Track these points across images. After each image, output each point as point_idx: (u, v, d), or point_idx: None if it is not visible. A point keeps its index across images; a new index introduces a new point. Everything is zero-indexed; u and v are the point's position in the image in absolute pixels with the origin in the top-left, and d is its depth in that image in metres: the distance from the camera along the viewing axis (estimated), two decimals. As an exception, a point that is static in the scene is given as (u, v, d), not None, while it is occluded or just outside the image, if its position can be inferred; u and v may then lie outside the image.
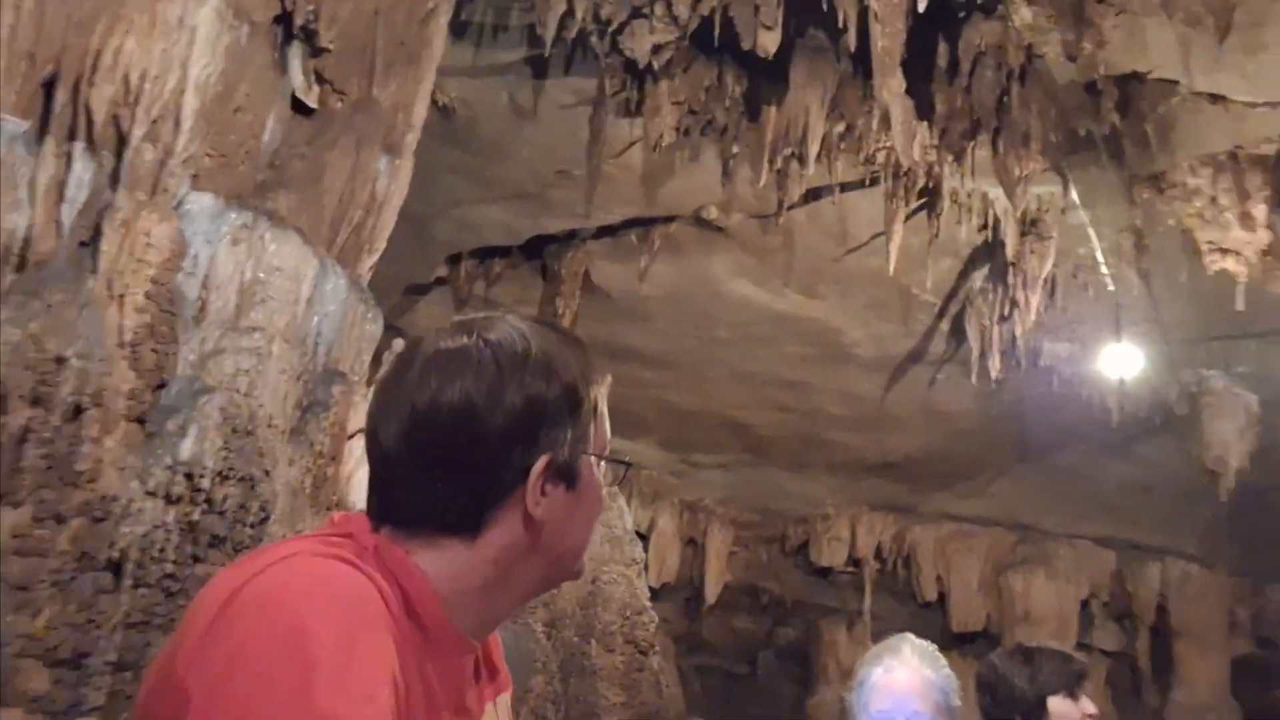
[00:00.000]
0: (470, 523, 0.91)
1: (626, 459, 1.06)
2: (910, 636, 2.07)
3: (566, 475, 0.94)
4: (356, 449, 4.52)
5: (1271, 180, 5.62)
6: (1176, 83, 5.20)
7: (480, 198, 7.15)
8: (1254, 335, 7.73)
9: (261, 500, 3.58)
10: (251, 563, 0.85)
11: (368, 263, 4.92)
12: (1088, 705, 2.19)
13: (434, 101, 5.81)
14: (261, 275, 3.85)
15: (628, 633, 4.93)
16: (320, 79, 4.70)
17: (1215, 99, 5.40)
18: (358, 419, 4.51)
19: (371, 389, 1.04)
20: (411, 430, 0.90)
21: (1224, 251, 5.89)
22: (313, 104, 4.63)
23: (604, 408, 1.32)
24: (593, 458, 0.97)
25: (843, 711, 2.04)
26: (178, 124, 3.66)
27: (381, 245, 4.96)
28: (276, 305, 3.99)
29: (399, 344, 5.25)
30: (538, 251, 7.80)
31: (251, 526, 3.51)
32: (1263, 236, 5.68)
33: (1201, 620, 11.03)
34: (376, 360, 5.04)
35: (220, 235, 3.71)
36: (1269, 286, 6.23)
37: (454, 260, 7.97)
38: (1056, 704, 2.15)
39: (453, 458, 0.90)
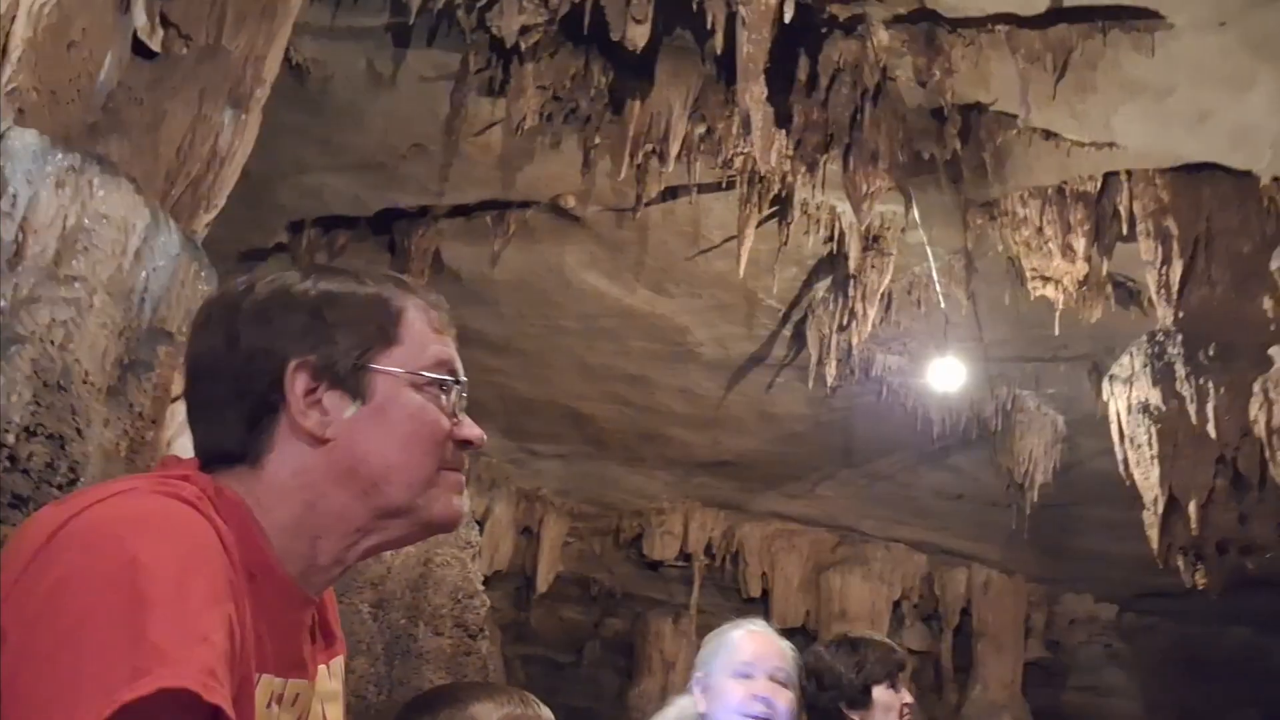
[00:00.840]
0: (246, 445, 0.88)
1: (457, 379, 0.96)
2: (760, 620, 2.14)
3: (349, 386, 0.90)
4: (180, 413, 4.29)
5: (1092, 215, 6.02)
6: (1015, 116, 5.49)
7: (328, 164, 6.91)
8: (1064, 359, 8.27)
9: (71, 460, 3.36)
10: (78, 499, 0.79)
11: (204, 219, 4.68)
12: (905, 695, 2.30)
13: (287, 60, 5.58)
14: (87, 222, 3.61)
15: (458, 616, 4.87)
16: (166, 22, 4.44)
17: (1048, 135, 5.74)
18: (182, 382, 4.30)
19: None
20: (188, 357, 0.94)
21: (1046, 279, 6.28)
22: (156, 47, 4.37)
23: (443, 332, 1.18)
24: (408, 375, 0.92)
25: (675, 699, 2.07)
26: (4, 52, 3.40)
27: (220, 202, 4.73)
28: (101, 256, 3.74)
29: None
30: (386, 226, 7.60)
31: (59, 488, 3.29)
32: (1081, 267, 6.08)
33: (1000, 623, 11.74)
34: (207, 323, 4.81)
35: (44, 176, 3.45)
36: (1082, 314, 6.68)
37: (296, 227, 7.67)
38: (879, 693, 2.24)
39: (207, 373, 0.90)
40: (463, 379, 0.98)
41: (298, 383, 0.89)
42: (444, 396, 0.94)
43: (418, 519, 0.93)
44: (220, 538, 0.80)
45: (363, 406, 0.90)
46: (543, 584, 11.12)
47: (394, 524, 0.92)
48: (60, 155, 3.50)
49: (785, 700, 1.99)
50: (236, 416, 0.89)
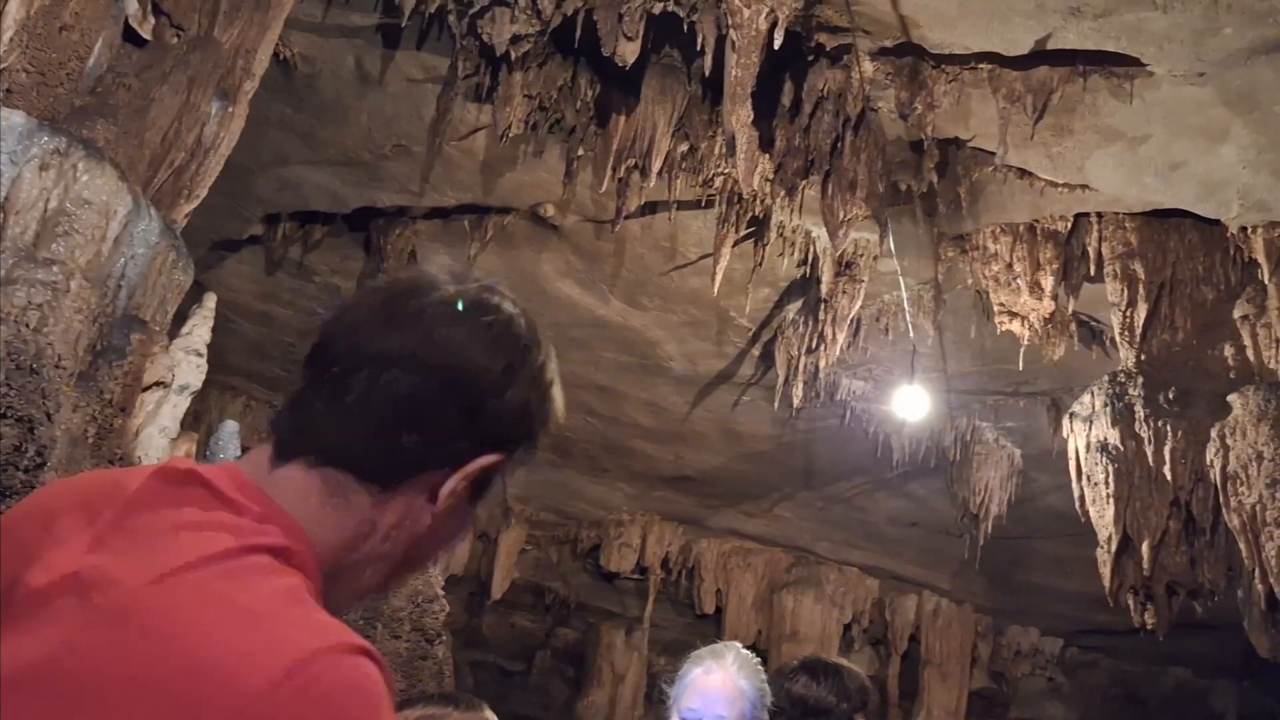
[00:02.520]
0: (391, 475, 0.83)
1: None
2: (736, 645, 2.15)
3: (482, 487, 0.88)
4: (149, 402, 4.26)
5: (1061, 254, 6.14)
6: (992, 153, 5.60)
7: (309, 159, 6.88)
8: (1024, 394, 8.41)
9: (39, 444, 3.32)
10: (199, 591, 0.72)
11: (185, 209, 4.64)
12: None
13: (275, 53, 5.56)
14: (69, 206, 3.58)
15: (416, 620, 4.85)
16: (158, 10, 4.42)
17: (1023, 173, 5.85)
18: (154, 370, 4.26)
19: (341, 306, 0.88)
20: (402, 363, 0.82)
21: (1013, 314, 6.38)
22: (146, 35, 4.35)
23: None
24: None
25: (658, 701, 2.10)
26: (-4, 30, 3.37)
27: (202, 193, 4.70)
28: (81, 240, 3.72)
29: (210, 298, 4.97)
30: (363, 224, 7.57)
31: (25, 471, 3.26)
32: (1048, 305, 6.19)
33: (947, 651, 11.87)
34: (181, 313, 4.77)
35: (28, 157, 3.43)
36: (1046, 351, 6.80)
37: (272, 220, 7.63)
38: None
39: (430, 409, 0.83)
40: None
41: (479, 468, 0.85)
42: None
43: (380, 592, 0.91)
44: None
45: (468, 503, 0.88)
46: (497, 590, 11.09)
47: (367, 594, 0.90)
48: (46, 137, 3.48)
49: None
50: (411, 450, 0.83)
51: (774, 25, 5.06)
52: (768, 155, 5.80)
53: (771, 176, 6.13)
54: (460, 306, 0.86)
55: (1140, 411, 5.84)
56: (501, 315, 0.87)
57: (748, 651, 2.15)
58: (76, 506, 0.80)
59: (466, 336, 0.84)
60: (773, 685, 2.24)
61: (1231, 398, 5.60)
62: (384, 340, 0.83)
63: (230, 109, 4.63)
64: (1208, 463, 5.59)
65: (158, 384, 4.41)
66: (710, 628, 11.23)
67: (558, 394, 0.91)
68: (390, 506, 0.84)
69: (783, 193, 6.26)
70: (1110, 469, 5.96)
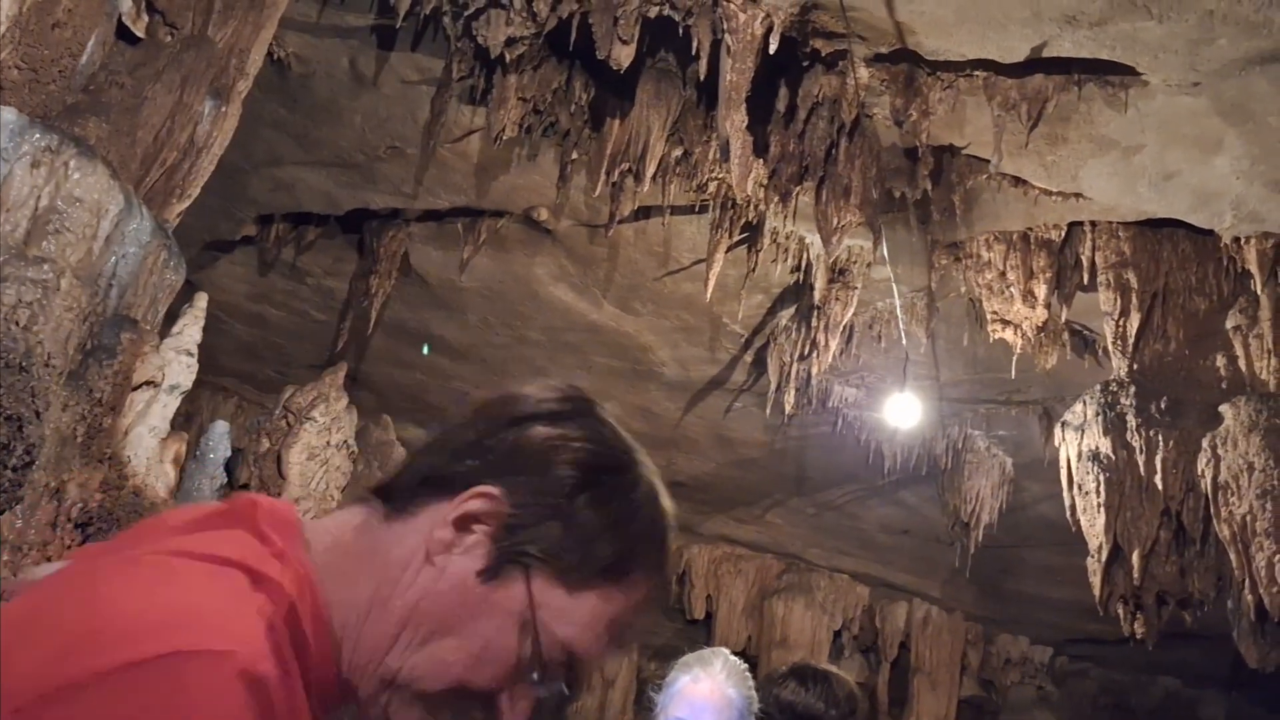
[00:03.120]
0: (408, 497, 0.83)
1: (549, 683, 0.83)
2: (725, 652, 2.14)
3: (494, 562, 0.80)
4: (139, 401, 4.23)
5: (1055, 263, 6.14)
6: (986, 161, 5.60)
7: (302, 159, 6.86)
8: (1016, 403, 8.41)
9: (28, 443, 3.30)
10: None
11: (177, 208, 4.62)
12: None
13: (269, 53, 5.55)
14: (60, 204, 3.56)
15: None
16: (152, 8, 4.40)
17: (1017, 181, 5.86)
18: (144, 370, 4.23)
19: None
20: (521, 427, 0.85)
21: (1005, 323, 6.39)
22: (140, 33, 4.33)
23: (616, 643, 0.87)
24: (538, 622, 0.80)
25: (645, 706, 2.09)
26: (-11, 27, 3.35)
27: (194, 192, 4.68)
28: (72, 238, 3.69)
29: (201, 298, 4.95)
30: (356, 225, 7.56)
31: (13, 470, 3.23)
32: (1041, 313, 6.20)
33: (937, 659, 11.86)
34: (172, 313, 4.74)
35: (20, 154, 3.40)
36: (1038, 360, 6.81)
37: (265, 220, 7.61)
38: None
39: (480, 439, 0.84)
40: (566, 692, 0.84)
41: (471, 506, 0.82)
42: (525, 670, 0.81)
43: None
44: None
45: (480, 581, 0.80)
46: (486, 595, 11.04)
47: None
48: (38, 134, 3.46)
49: None
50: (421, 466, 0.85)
51: (769, 30, 5.06)
52: (762, 161, 5.79)
53: (766, 182, 6.13)
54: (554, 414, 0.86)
55: (1132, 421, 5.85)
56: (598, 422, 0.88)
57: (736, 658, 2.14)
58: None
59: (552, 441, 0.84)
60: (762, 692, 2.23)
61: (1223, 408, 5.61)
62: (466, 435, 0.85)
63: (223, 108, 4.61)
64: (1199, 473, 5.60)
65: (148, 383, 4.38)
66: (700, 633, 11.20)
67: (656, 530, 0.86)
68: (405, 536, 0.82)
69: (777, 198, 6.26)
70: (1101, 478, 5.97)
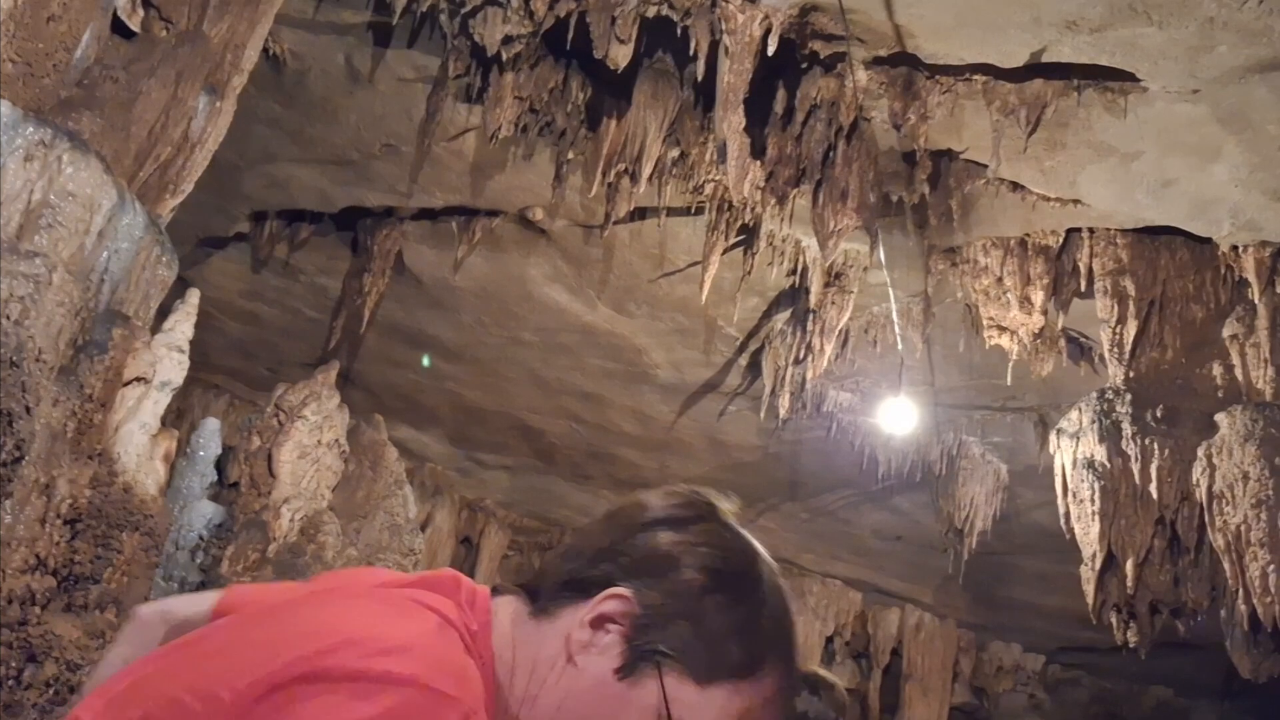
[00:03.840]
0: (547, 600, 0.91)
1: None
2: None
3: (628, 660, 0.86)
4: (130, 398, 4.19)
5: (1052, 270, 6.13)
6: (984, 166, 5.59)
7: (297, 157, 6.83)
8: (1012, 410, 8.40)
9: (18, 438, 3.26)
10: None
11: (170, 204, 4.58)
12: None
13: (264, 49, 5.51)
14: (53, 198, 3.52)
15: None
16: (147, 3, 4.37)
17: (1015, 187, 5.85)
18: (136, 366, 4.19)
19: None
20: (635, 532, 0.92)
21: (1002, 329, 6.37)
22: (135, 27, 4.29)
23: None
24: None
25: None
26: (-18, 19, 3.31)
27: (188, 188, 4.64)
28: (64, 233, 3.66)
29: (193, 294, 4.92)
30: (350, 223, 7.52)
31: (3, 465, 3.20)
32: (1037, 320, 6.18)
33: (929, 666, 11.85)
34: (164, 309, 4.70)
35: (13, 148, 3.37)
36: (1034, 367, 6.79)
37: (259, 218, 7.57)
38: None
39: (614, 548, 0.90)
40: None
41: (610, 608, 0.89)
42: None
43: None
44: None
45: (619, 678, 0.87)
46: (478, 596, 10.99)
47: None
48: (31, 129, 3.42)
49: None
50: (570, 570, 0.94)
51: (768, 32, 5.04)
52: (759, 163, 5.77)
53: (762, 184, 6.10)
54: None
55: (1127, 429, 5.83)
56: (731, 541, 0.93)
57: None
58: None
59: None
60: None
61: (1219, 417, 5.59)
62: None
63: (218, 104, 4.58)
64: (1194, 482, 5.59)
65: (139, 380, 4.34)
66: (692, 638, 11.18)
67: (782, 627, 0.91)
68: (550, 637, 0.90)
69: (773, 201, 6.23)
70: (1096, 486, 5.95)
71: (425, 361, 8.61)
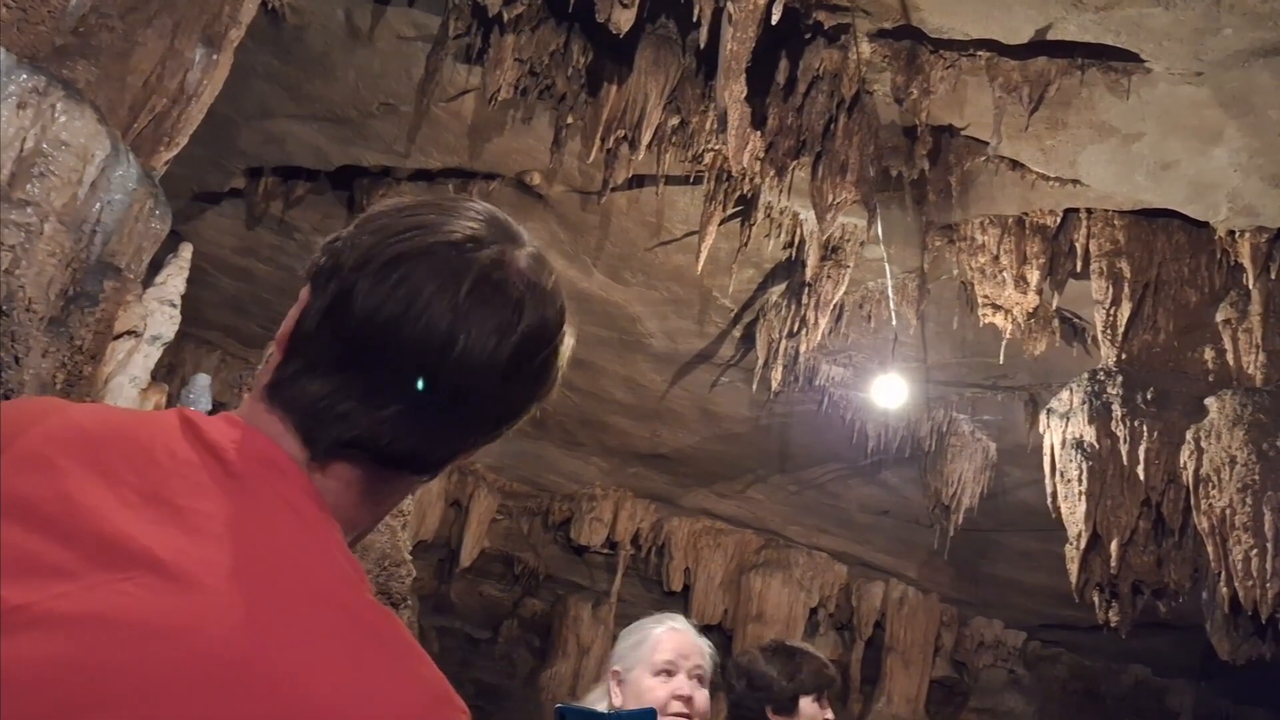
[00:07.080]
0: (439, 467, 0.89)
1: None
2: (680, 617, 2.15)
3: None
4: (120, 350, 4.19)
5: (1048, 249, 6.12)
6: (985, 143, 5.56)
7: (293, 113, 6.76)
8: (1002, 388, 8.42)
9: (6, 389, 3.25)
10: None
11: (165, 156, 4.55)
12: (828, 711, 2.34)
13: (264, 2, 5.44)
14: (46, 147, 3.49)
15: (382, 584, 4.81)
16: (145, -51, 4.30)
17: (1015, 165, 5.83)
18: (127, 319, 4.18)
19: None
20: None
21: (997, 307, 6.37)
22: (132, -26, 4.23)
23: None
24: None
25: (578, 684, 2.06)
26: (-25, -38, 3.26)
27: (183, 141, 4.60)
28: (57, 182, 3.62)
29: (186, 248, 4.89)
30: (346, 182, 7.47)
31: (-10, 416, 3.18)
32: (1032, 299, 6.18)
33: (911, 639, 11.95)
34: (157, 263, 4.68)
35: (6, 94, 3.33)
36: (1027, 346, 6.80)
37: (254, 173, 7.51)
38: (806, 704, 2.28)
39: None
40: None
41: None
42: None
43: None
44: None
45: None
46: (466, 558, 11.06)
47: None
48: (25, 75, 3.38)
49: (702, 699, 2.00)
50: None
51: (772, 0, 4.99)
52: (759, 133, 5.73)
53: (762, 155, 6.07)
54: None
55: (1117, 410, 5.85)
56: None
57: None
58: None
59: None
60: (731, 660, 2.26)
61: (1208, 401, 5.62)
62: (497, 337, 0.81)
63: (215, 56, 4.52)
64: (1181, 464, 5.62)
65: (129, 333, 4.33)
66: (677, 605, 11.24)
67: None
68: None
69: (772, 172, 6.20)
70: (1084, 466, 5.98)
71: None
